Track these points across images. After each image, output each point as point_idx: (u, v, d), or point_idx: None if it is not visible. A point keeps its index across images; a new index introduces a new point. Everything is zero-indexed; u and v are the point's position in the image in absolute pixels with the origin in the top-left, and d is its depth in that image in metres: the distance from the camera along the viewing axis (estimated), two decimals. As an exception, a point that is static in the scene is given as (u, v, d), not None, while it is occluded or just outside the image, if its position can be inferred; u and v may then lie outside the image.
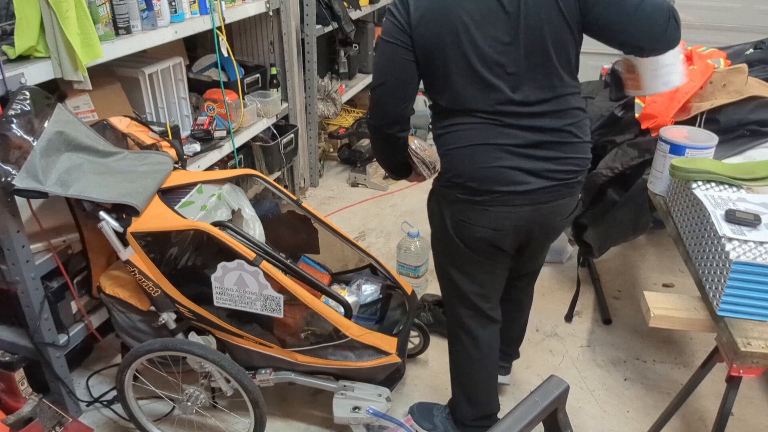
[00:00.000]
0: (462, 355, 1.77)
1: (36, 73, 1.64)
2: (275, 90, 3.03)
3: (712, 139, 1.75)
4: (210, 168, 2.48)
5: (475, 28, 1.36)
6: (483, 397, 1.81)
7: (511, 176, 1.43)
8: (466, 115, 1.45)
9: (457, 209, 1.53)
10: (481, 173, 1.45)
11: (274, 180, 2.48)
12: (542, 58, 1.38)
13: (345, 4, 3.43)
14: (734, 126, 2.02)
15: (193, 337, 1.78)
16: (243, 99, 2.73)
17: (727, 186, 1.61)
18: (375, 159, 1.73)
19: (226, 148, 2.57)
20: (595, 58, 4.30)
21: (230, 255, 1.60)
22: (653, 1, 1.33)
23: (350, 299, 1.83)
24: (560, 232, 1.71)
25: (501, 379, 2.06)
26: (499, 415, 1.90)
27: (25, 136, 1.53)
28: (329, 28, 3.39)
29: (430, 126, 1.63)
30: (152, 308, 1.73)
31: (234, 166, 2.74)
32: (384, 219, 3.31)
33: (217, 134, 2.56)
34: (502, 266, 1.65)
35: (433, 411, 1.94)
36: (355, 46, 3.95)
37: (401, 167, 1.75)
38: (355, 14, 3.62)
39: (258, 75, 2.98)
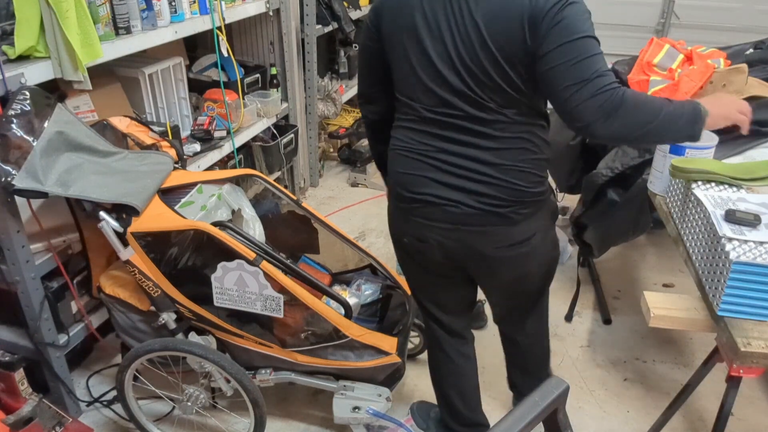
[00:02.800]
0: (432, 364, 1.82)
1: (36, 73, 1.64)
2: (275, 90, 3.03)
3: (713, 139, 1.74)
4: (210, 168, 2.48)
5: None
6: (461, 407, 1.79)
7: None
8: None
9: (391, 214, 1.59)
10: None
11: (274, 180, 2.48)
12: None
13: (345, 4, 3.44)
14: (734, 126, 2.02)
15: (193, 337, 1.78)
16: (243, 99, 2.73)
17: (727, 186, 1.61)
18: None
19: (226, 148, 2.57)
20: (595, 58, 4.30)
21: (230, 255, 1.60)
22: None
23: (351, 301, 1.83)
24: (507, 263, 1.49)
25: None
26: (499, 413, 1.90)
27: (25, 136, 1.53)
28: (329, 28, 3.40)
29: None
30: (152, 308, 1.73)
31: (234, 166, 2.74)
32: (384, 219, 3.28)
33: (217, 134, 2.56)
34: (448, 281, 1.62)
35: (430, 413, 1.96)
36: (355, 46, 3.94)
37: (378, 158, 1.72)
38: (355, 14, 3.63)
39: (258, 75, 2.98)
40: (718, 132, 2.05)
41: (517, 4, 1.22)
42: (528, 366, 1.82)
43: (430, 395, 2.09)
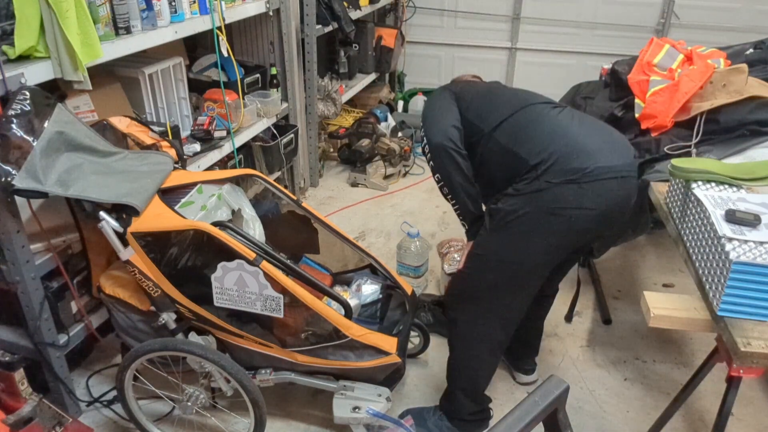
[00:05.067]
0: (479, 360, 1.80)
1: (36, 73, 1.64)
2: (275, 90, 3.03)
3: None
4: (210, 168, 2.48)
5: None
6: (483, 390, 1.87)
7: None
8: None
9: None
10: None
11: (274, 180, 2.48)
12: None
13: (345, 4, 3.43)
14: (734, 126, 2.02)
15: (193, 337, 1.78)
16: (243, 99, 2.73)
17: (727, 186, 1.61)
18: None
19: (226, 148, 2.57)
20: (596, 59, 4.31)
21: (230, 255, 1.60)
22: None
23: (352, 302, 1.83)
24: None
25: (528, 378, 2.13)
26: (499, 413, 1.90)
27: (25, 136, 1.53)
28: (329, 28, 3.39)
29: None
30: (152, 308, 1.73)
31: (234, 166, 2.74)
32: (384, 219, 3.31)
33: (217, 134, 2.56)
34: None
35: (424, 415, 1.93)
36: (355, 46, 3.95)
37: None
38: (355, 14, 3.62)
39: (258, 75, 2.97)
40: (718, 132, 2.06)
41: None
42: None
43: (430, 395, 2.10)
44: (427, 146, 1.68)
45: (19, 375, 1.77)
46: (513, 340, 1.84)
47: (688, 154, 2.04)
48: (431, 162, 1.69)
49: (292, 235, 2.15)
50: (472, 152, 1.68)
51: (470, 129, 1.68)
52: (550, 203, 1.51)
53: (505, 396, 2.10)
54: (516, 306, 1.72)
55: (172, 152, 1.95)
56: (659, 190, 1.91)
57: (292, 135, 3.15)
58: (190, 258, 1.64)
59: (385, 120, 4.08)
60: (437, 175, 1.69)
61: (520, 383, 2.15)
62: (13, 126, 1.51)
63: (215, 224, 1.64)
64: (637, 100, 2.31)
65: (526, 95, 1.75)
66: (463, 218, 1.76)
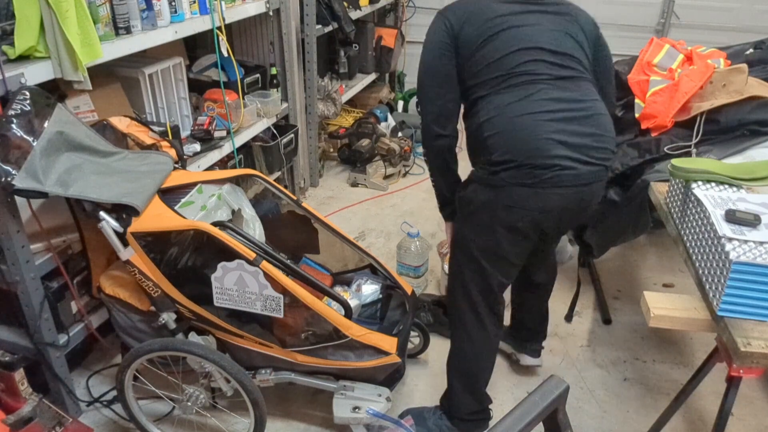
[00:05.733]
0: (471, 348, 1.81)
1: (36, 73, 1.64)
2: (275, 90, 3.03)
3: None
4: (210, 168, 2.48)
5: None
6: (483, 388, 1.87)
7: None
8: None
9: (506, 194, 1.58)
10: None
11: (274, 180, 2.48)
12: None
13: (345, 4, 3.43)
14: (734, 126, 2.02)
15: (193, 337, 1.78)
16: (243, 99, 2.73)
17: (727, 186, 1.61)
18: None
19: (226, 148, 2.57)
20: (595, 58, 4.30)
21: (230, 255, 1.60)
22: None
23: (352, 302, 1.83)
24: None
25: (533, 361, 2.17)
26: (499, 413, 1.90)
27: (25, 136, 1.53)
28: (329, 28, 3.39)
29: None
30: (152, 308, 1.73)
31: (234, 166, 2.74)
32: (384, 219, 3.31)
33: (217, 134, 2.56)
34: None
35: (424, 414, 1.93)
36: (355, 46, 3.94)
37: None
38: (355, 14, 3.62)
39: (258, 75, 2.97)
40: (718, 132, 2.06)
41: None
42: (547, 311, 2.15)
43: (430, 395, 2.10)
44: (421, 119, 1.74)
45: (19, 375, 1.77)
46: (516, 325, 2.02)
47: (688, 154, 2.04)
48: (422, 137, 1.76)
49: (292, 235, 2.15)
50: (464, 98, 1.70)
51: (464, 84, 1.67)
52: (504, 200, 1.57)
53: (505, 396, 2.10)
54: (496, 281, 1.73)
55: (172, 152, 1.95)
56: (659, 190, 1.91)
57: (292, 135, 3.15)
58: (190, 258, 1.64)
59: (385, 120, 4.08)
60: (425, 150, 1.77)
61: (523, 365, 2.18)
62: (13, 126, 1.51)
63: (215, 224, 1.63)
64: (637, 100, 2.31)
65: (532, 52, 1.59)
66: (438, 199, 1.86)
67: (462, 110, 1.73)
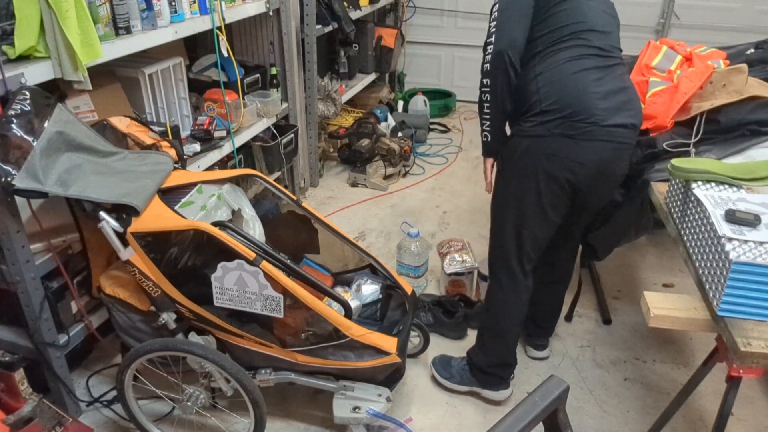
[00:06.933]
0: (501, 294, 1.93)
1: (36, 73, 1.64)
2: (275, 90, 3.03)
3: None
4: (210, 168, 2.48)
5: None
6: (509, 341, 1.97)
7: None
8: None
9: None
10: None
11: (274, 180, 2.48)
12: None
13: (345, 4, 3.43)
14: (734, 126, 2.02)
15: (193, 337, 1.78)
16: (243, 99, 2.73)
17: (727, 186, 1.61)
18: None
19: (226, 148, 2.57)
20: (595, 58, 4.30)
21: (230, 255, 1.60)
22: None
23: (352, 303, 1.83)
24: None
25: (538, 353, 2.28)
26: (498, 413, 1.90)
27: (25, 136, 1.53)
28: (329, 28, 3.40)
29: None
30: (152, 308, 1.73)
31: (234, 166, 2.74)
32: (384, 219, 3.31)
33: (217, 134, 2.56)
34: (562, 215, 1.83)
35: (451, 362, 2.12)
36: (355, 46, 3.95)
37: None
38: (355, 14, 3.62)
39: (258, 75, 2.97)
40: (718, 131, 2.06)
41: None
42: (559, 307, 2.28)
43: (429, 395, 2.10)
44: (490, 47, 1.74)
45: (19, 375, 1.77)
46: (527, 318, 2.05)
47: (687, 153, 2.04)
48: (486, 65, 1.75)
49: (292, 235, 2.15)
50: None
51: (530, 44, 1.75)
52: (547, 149, 1.69)
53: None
54: (529, 232, 1.82)
55: (172, 152, 1.95)
56: (659, 190, 1.91)
57: (292, 135, 3.15)
58: (190, 258, 1.64)
59: (385, 120, 4.08)
60: (486, 79, 1.77)
61: (530, 357, 2.29)
62: (13, 126, 1.51)
63: (215, 224, 1.64)
64: (637, 100, 2.30)
65: (586, 34, 1.74)
66: (487, 132, 1.86)
67: None
